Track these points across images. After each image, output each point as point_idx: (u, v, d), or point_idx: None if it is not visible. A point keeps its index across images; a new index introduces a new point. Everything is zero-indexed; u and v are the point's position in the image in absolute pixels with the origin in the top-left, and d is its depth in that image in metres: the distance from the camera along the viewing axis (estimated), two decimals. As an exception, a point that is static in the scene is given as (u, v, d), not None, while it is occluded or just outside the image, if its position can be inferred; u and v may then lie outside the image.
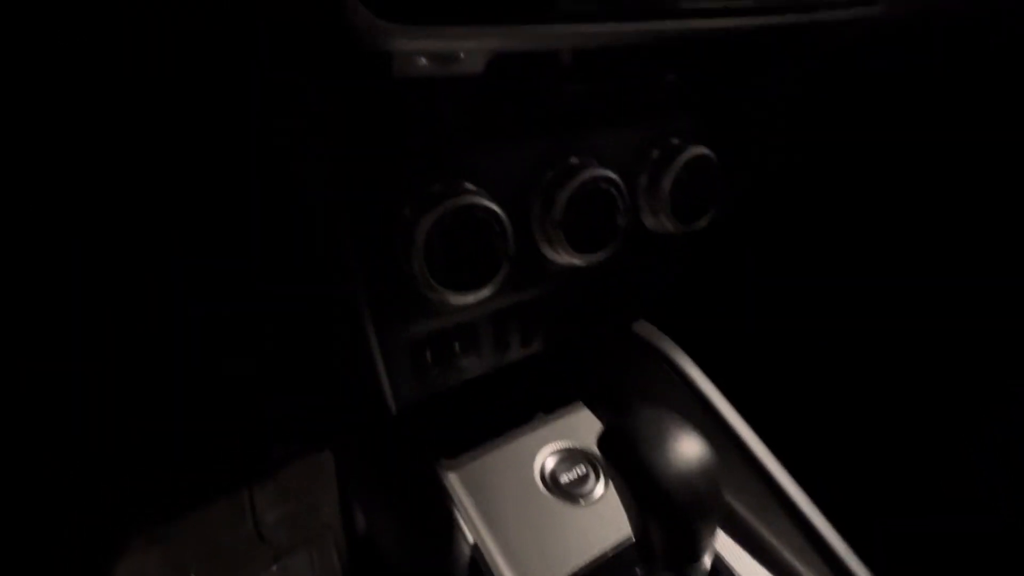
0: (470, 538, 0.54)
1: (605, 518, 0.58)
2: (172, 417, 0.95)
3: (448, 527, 0.55)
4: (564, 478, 0.63)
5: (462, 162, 0.48)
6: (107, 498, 0.97)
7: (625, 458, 0.41)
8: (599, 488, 0.62)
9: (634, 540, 0.52)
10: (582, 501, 0.60)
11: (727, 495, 0.58)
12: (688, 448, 0.40)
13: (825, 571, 0.51)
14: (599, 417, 0.71)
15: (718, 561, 0.53)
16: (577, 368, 0.78)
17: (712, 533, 0.43)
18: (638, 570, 0.52)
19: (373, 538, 1.10)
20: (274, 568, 1.15)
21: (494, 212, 0.46)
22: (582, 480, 0.63)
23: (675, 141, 0.58)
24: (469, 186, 0.47)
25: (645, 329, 0.72)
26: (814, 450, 0.66)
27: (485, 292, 0.48)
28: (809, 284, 0.91)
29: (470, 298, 0.47)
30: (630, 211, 0.54)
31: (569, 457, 0.65)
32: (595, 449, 0.67)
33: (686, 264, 0.72)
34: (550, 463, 0.64)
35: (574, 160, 0.51)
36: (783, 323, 0.95)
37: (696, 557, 0.43)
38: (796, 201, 0.89)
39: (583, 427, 0.69)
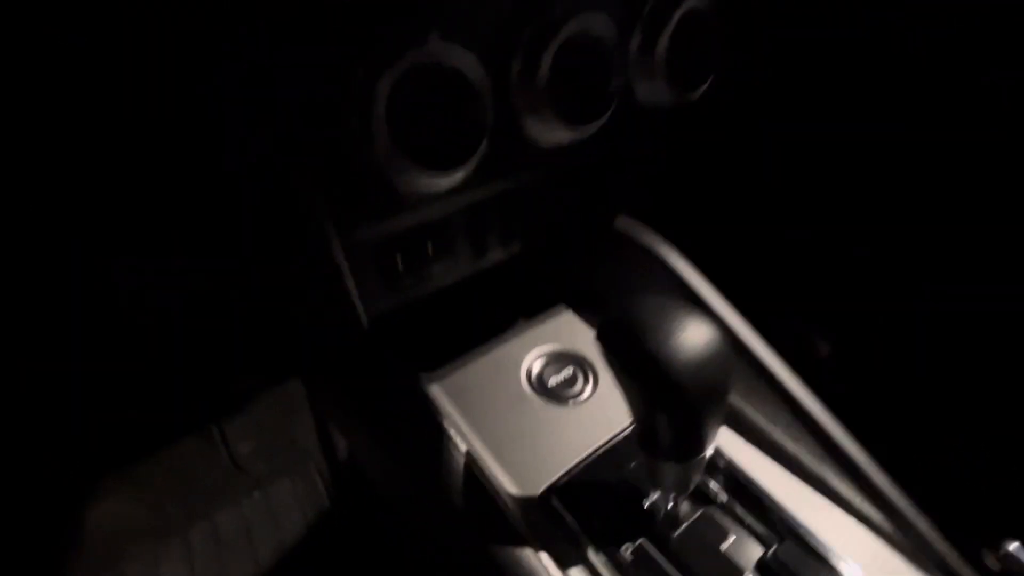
0: (462, 447, 0.51)
1: (595, 417, 0.56)
2: (136, 354, 0.88)
3: (438, 439, 0.51)
4: (552, 381, 0.60)
5: (425, 11, 0.39)
6: (75, 440, 0.92)
7: (630, 350, 0.38)
8: (588, 389, 0.60)
9: (634, 433, 0.50)
10: (571, 402, 0.58)
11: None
12: (697, 335, 0.37)
13: (817, 450, 0.51)
14: (584, 318, 0.67)
15: (717, 450, 0.52)
16: (557, 269, 0.73)
17: (719, 424, 0.41)
18: (632, 464, 0.51)
19: (357, 462, 1.09)
20: (256, 494, 1.14)
21: (466, 75, 0.38)
22: (570, 382, 0.61)
23: None
24: (436, 36, 0.38)
25: (627, 224, 0.67)
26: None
27: (460, 174, 0.41)
28: (823, 174, 0.80)
29: (443, 181, 0.40)
30: (624, 73, 0.46)
31: (556, 360, 0.63)
32: (582, 350, 0.65)
33: (677, 149, 0.66)
34: (536, 367, 0.62)
35: (557, 11, 0.43)
36: (786, 224, 0.86)
37: (702, 449, 0.41)
38: (808, 74, 0.78)
39: (568, 329, 0.66)
